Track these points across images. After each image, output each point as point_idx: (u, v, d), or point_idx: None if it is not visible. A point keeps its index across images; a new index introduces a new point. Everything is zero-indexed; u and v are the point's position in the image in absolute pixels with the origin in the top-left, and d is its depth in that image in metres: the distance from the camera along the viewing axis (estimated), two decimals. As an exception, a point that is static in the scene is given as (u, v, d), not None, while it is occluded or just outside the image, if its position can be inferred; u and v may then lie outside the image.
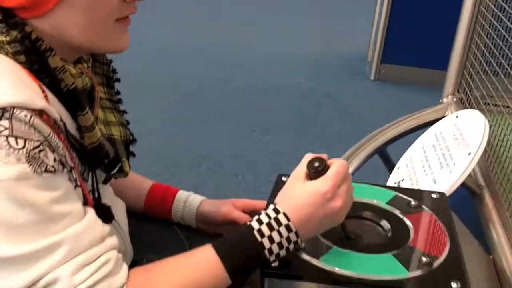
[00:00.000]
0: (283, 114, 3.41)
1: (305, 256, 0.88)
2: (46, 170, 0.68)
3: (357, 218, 0.99)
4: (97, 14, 0.76)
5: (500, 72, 1.33)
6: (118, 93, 0.97)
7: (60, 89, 0.77)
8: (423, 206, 1.01)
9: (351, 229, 0.93)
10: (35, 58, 0.74)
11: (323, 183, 0.82)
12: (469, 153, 1.15)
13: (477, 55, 1.58)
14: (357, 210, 0.98)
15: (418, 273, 0.86)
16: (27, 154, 0.67)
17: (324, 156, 0.86)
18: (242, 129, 3.16)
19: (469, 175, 1.18)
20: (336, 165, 0.84)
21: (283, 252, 0.82)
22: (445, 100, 1.68)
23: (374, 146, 1.46)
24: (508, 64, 1.30)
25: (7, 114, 0.66)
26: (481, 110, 1.36)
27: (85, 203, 0.78)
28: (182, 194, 1.17)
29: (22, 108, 0.67)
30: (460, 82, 1.65)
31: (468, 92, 1.61)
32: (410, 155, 1.35)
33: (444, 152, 1.24)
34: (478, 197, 1.27)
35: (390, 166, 1.49)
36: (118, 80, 0.97)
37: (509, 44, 1.32)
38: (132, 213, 1.10)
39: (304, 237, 0.84)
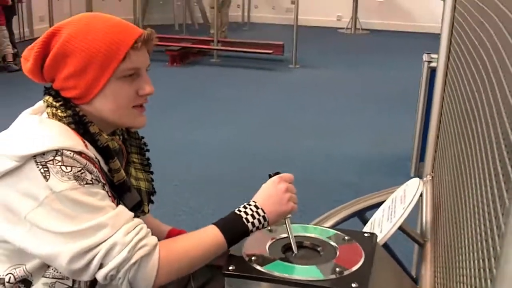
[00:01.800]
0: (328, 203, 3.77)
1: (255, 265, 1.28)
2: (87, 183, 1.16)
3: (301, 246, 1.37)
4: (120, 103, 1.27)
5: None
6: (148, 159, 1.46)
7: (98, 146, 1.26)
8: (353, 240, 1.39)
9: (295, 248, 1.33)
10: (81, 127, 1.24)
11: (275, 178, 1.34)
12: (403, 208, 1.52)
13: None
14: (303, 240, 1.38)
15: (331, 277, 1.24)
16: (74, 174, 1.15)
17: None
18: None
19: (418, 231, 1.54)
20: (284, 174, 1.37)
21: (256, 222, 1.28)
22: (424, 179, 2.05)
23: (355, 209, 1.85)
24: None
25: (59, 153, 1.16)
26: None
27: None
28: None
29: (68, 149, 1.16)
30: (433, 163, 2.02)
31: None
32: (375, 215, 1.73)
33: (392, 210, 1.61)
34: (422, 246, 1.61)
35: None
36: (147, 150, 1.46)
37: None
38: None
39: (268, 213, 1.29)
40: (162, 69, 8.33)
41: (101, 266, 1.16)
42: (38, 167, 1.14)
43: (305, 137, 5.30)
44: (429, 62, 4.07)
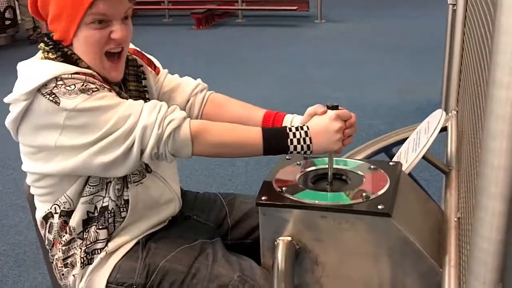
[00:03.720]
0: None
1: (287, 194, 1.36)
2: (93, 91, 1.26)
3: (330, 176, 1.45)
4: (91, 46, 1.33)
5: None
6: (144, 86, 1.50)
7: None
8: (379, 169, 1.46)
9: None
10: (72, 63, 1.33)
11: (332, 112, 1.36)
12: (427, 137, 1.58)
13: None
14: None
15: (358, 201, 1.31)
16: (79, 89, 1.25)
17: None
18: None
19: (443, 160, 1.60)
20: (343, 110, 1.37)
21: (299, 147, 1.33)
22: (449, 114, 2.09)
23: (382, 145, 1.92)
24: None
25: (59, 78, 1.26)
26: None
27: None
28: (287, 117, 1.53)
29: (64, 73, 1.27)
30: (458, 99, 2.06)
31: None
32: (401, 149, 1.79)
33: (416, 141, 1.67)
34: (447, 174, 1.67)
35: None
36: (145, 78, 1.51)
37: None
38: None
39: (314, 144, 1.33)
40: (188, 32, 8.39)
41: (142, 152, 1.28)
42: (46, 97, 1.24)
43: (333, 89, 5.33)
44: (454, 5, 4.03)
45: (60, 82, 1.25)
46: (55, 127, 1.26)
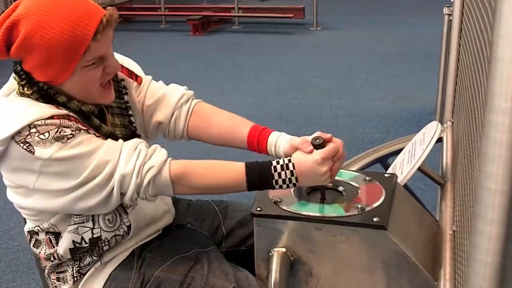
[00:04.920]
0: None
1: (282, 206, 1.36)
2: (68, 138, 1.22)
3: (325, 188, 1.45)
4: (87, 85, 1.30)
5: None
6: (126, 102, 1.45)
7: (73, 110, 1.30)
8: (375, 181, 1.46)
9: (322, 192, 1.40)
10: (49, 99, 1.28)
11: (318, 153, 1.29)
12: (422, 149, 1.58)
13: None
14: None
15: (353, 213, 1.31)
16: (53, 137, 1.21)
17: (326, 136, 1.32)
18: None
19: (438, 170, 1.60)
20: (329, 146, 1.30)
21: (284, 186, 1.29)
22: (445, 125, 2.09)
23: (377, 155, 1.92)
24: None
25: (32, 125, 1.21)
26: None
27: None
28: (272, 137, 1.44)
29: (38, 119, 1.22)
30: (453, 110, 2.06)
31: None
32: (396, 159, 1.79)
33: (412, 152, 1.67)
34: (442, 186, 1.68)
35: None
36: (126, 93, 1.46)
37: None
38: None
39: (300, 183, 1.29)
40: (184, 38, 8.38)
41: (122, 194, 1.27)
42: (20, 145, 1.21)
43: (328, 98, 5.33)
44: (449, 15, 4.06)
45: (34, 130, 1.21)
46: (31, 172, 1.24)
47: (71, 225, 1.36)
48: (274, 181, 1.29)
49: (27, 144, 1.21)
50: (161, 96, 1.51)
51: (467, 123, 1.53)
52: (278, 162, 1.30)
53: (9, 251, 2.93)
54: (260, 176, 1.29)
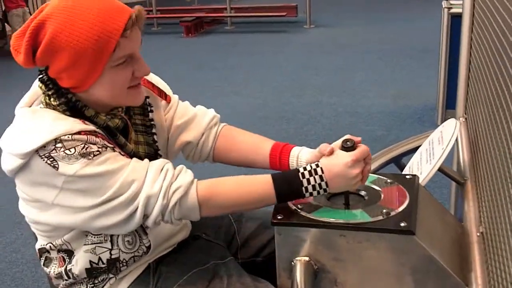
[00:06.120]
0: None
1: (303, 213, 1.31)
2: (94, 155, 1.17)
3: (346, 192, 1.39)
4: (116, 88, 1.24)
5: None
6: (151, 120, 1.40)
7: (99, 126, 1.25)
8: (396, 183, 1.41)
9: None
10: (76, 112, 1.23)
11: (349, 156, 1.24)
12: (442, 148, 1.53)
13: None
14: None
15: (379, 218, 1.26)
16: (79, 153, 1.16)
17: (356, 139, 1.28)
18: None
19: (457, 170, 1.55)
20: (360, 148, 1.26)
21: (315, 193, 1.25)
22: (457, 121, 2.05)
23: (391, 155, 1.87)
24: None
25: (58, 140, 1.15)
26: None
27: None
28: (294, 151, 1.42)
29: (65, 134, 1.16)
30: (466, 106, 2.02)
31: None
32: (413, 159, 1.74)
33: (430, 151, 1.62)
34: (462, 185, 1.63)
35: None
36: (151, 111, 1.41)
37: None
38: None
39: (331, 188, 1.25)
40: (177, 40, 8.34)
41: (145, 216, 1.21)
42: (43, 160, 1.15)
43: (327, 96, 5.29)
44: (449, 8, 4.02)
45: (59, 145, 1.15)
46: (53, 187, 1.18)
47: (88, 244, 1.30)
48: (304, 188, 1.24)
49: (51, 159, 1.15)
50: (192, 116, 1.48)
51: (489, 119, 1.48)
52: (305, 168, 1.25)
53: (13, 264, 2.87)
54: (288, 185, 1.24)
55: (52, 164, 1.15)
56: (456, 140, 1.92)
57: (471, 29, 2.04)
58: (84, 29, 1.15)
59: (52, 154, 1.15)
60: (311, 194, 1.25)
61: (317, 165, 1.25)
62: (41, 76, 1.25)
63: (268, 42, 7.88)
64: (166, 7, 9.63)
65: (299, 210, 1.32)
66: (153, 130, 1.40)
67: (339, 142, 1.29)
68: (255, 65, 6.66)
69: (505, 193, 1.18)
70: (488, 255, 1.25)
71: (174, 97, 1.50)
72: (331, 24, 8.67)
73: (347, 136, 1.29)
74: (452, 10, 3.98)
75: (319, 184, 1.24)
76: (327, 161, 1.26)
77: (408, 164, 1.75)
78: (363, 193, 1.39)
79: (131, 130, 1.35)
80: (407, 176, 1.46)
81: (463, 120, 2.03)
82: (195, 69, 6.59)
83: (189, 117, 1.48)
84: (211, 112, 1.52)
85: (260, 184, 1.26)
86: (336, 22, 8.78)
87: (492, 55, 1.52)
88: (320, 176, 1.23)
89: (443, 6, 4.08)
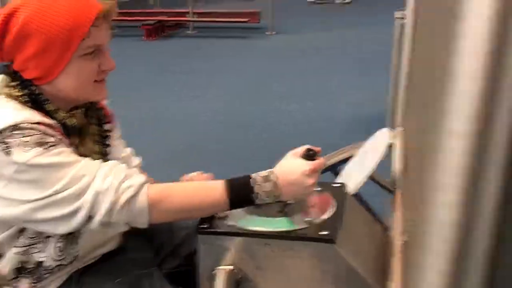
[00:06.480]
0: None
1: (228, 221, 1.31)
2: (50, 146, 1.17)
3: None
4: (83, 80, 1.25)
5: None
6: (107, 131, 1.41)
7: (58, 122, 1.25)
8: (323, 191, 1.42)
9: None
10: (38, 105, 1.23)
11: (307, 165, 1.25)
12: (372, 157, 1.55)
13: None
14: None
15: (302, 226, 1.27)
16: (35, 142, 1.15)
17: (317, 149, 1.30)
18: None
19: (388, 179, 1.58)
20: (320, 160, 1.28)
21: (268, 200, 1.25)
22: (396, 130, 2.08)
23: (328, 164, 1.88)
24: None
25: (17, 127, 1.15)
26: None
27: None
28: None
29: (24, 122, 1.16)
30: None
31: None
32: (346, 168, 1.76)
33: (362, 160, 1.64)
34: (393, 193, 1.65)
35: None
36: (108, 122, 1.43)
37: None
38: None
39: (284, 196, 1.25)
40: (138, 43, 8.28)
41: (90, 217, 1.18)
42: None
43: (286, 103, 5.31)
44: (401, 18, 4.08)
45: (17, 132, 1.15)
46: (1, 177, 1.16)
47: (19, 246, 1.27)
48: (254, 194, 1.24)
49: (6, 145, 1.14)
50: (127, 156, 1.51)
51: (417, 132, 1.50)
52: (259, 175, 1.26)
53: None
54: (241, 192, 1.24)
55: (5, 150, 1.14)
56: (393, 149, 1.95)
57: (413, 39, 2.07)
58: (56, 16, 1.19)
59: (6, 140, 1.15)
60: (264, 201, 1.25)
61: (272, 172, 1.26)
62: (4, 68, 1.27)
63: (230, 48, 7.87)
64: (127, 10, 9.55)
65: (224, 219, 1.32)
66: (107, 142, 1.40)
67: (299, 150, 1.30)
68: (216, 70, 6.65)
69: (425, 200, 1.20)
70: (408, 265, 1.27)
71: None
72: (293, 31, 8.71)
73: (308, 146, 1.31)
74: (404, 21, 4.03)
75: (271, 191, 1.24)
76: (283, 168, 1.26)
77: (341, 173, 1.77)
78: (290, 201, 1.40)
79: (86, 136, 1.35)
80: (335, 185, 1.47)
81: (401, 129, 2.06)
82: (155, 72, 6.55)
83: (124, 156, 1.49)
84: (137, 159, 1.55)
85: (213, 190, 1.25)
86: (297, 29, 8.82)
87: (426, 71, 1.55)
88: (274, 183, 1.24)
89: (396, 16, 4.13)
